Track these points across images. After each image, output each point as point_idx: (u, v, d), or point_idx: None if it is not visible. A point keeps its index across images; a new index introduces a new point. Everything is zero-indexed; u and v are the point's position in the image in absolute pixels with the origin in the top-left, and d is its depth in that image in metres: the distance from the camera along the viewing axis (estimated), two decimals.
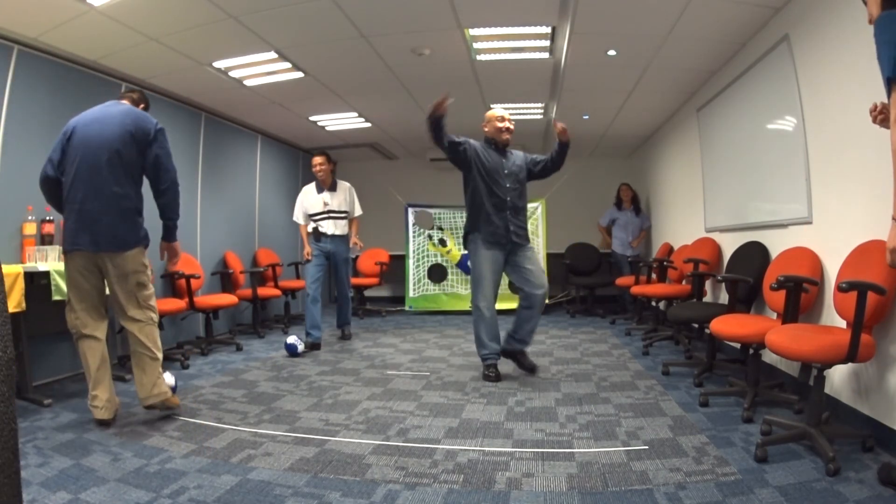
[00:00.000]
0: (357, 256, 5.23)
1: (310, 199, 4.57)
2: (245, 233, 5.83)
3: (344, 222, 4.60)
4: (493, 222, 3.32)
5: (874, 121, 1.72)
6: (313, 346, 4.31)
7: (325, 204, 4.52)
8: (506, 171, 3.43)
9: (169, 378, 2.77)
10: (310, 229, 4.56)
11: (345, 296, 4.80)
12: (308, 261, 4.56)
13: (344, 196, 4.63)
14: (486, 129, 3.53)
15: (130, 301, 2.54)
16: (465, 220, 3.49)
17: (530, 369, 3.45)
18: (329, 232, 4.50)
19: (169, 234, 2.67)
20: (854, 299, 1.87)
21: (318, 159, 4.53)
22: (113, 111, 2.56)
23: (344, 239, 4.61)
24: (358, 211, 4.76)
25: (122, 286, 2.51)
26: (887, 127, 1.61)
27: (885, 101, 1.56)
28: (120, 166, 2.46)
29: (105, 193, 2.44)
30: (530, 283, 3.37)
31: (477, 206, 3.37)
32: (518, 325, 3.48)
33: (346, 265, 4.63)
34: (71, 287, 2.52)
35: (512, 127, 3.50)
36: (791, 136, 2.98)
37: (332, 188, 4.60)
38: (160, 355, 2.61)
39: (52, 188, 2.52)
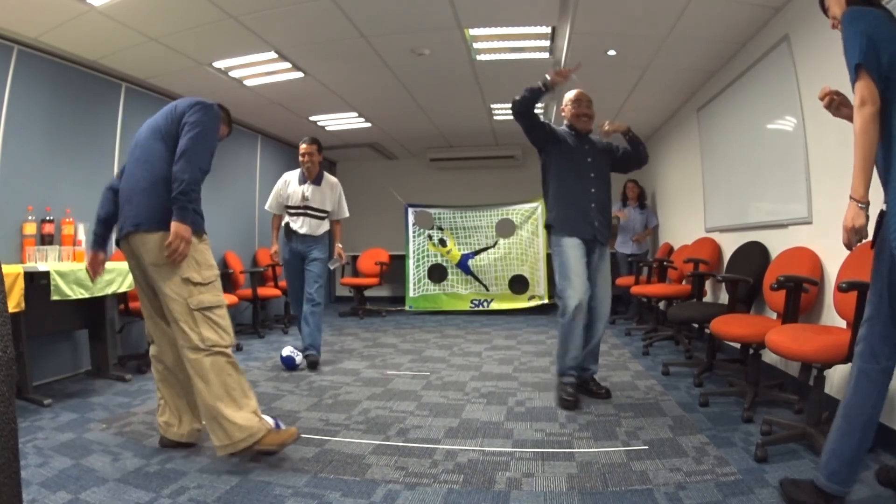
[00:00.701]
0: (333, 269, 4.21)
1: (289, 188, 3.83)
2: (245, 233, 5.83)
3: (320, 224, 3.84)
4: (577, 215, 2.89)
5: (827, 107, 1.74)
6: (313, 365, 3.75)
7: (304, 198, 3.78)
8: (589, 160, 2.96)
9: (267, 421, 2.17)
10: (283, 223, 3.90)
11: (312, 311, 3.75)
12: (275, 263, 4.09)
13: (328, 193, 3.88)
14: (564, 114, 3.11)
15: (177, 312, 2.02)
16: (547, 213, 3.04)
17: (605, 395, 2.90)
18: (301, 231, 3.76)
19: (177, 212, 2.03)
20: (854, 299, 1.87)
21: (305, 147, 3.77)
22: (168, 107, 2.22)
23: (318, 242, 3.83)
24: (344, 213, 3.98)
25: (161, 285, 2.04)
26: (840, 115, 1.73)
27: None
28: (160, 140, 2.11)
29: (140, 167, 2.10)
30: (595, 297, 2.90)
31: (558, 196, 2.95)
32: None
33: (318, 268, 3.77)
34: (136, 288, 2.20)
35: (591, 112, 3.03)
36: (791, 136, 2.98)
37: (317, 181, 3.84)
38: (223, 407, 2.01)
39: (110, 193, 2.23)
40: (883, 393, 1.54)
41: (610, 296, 2.97)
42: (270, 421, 2.15)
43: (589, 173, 2.95)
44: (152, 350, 2.23)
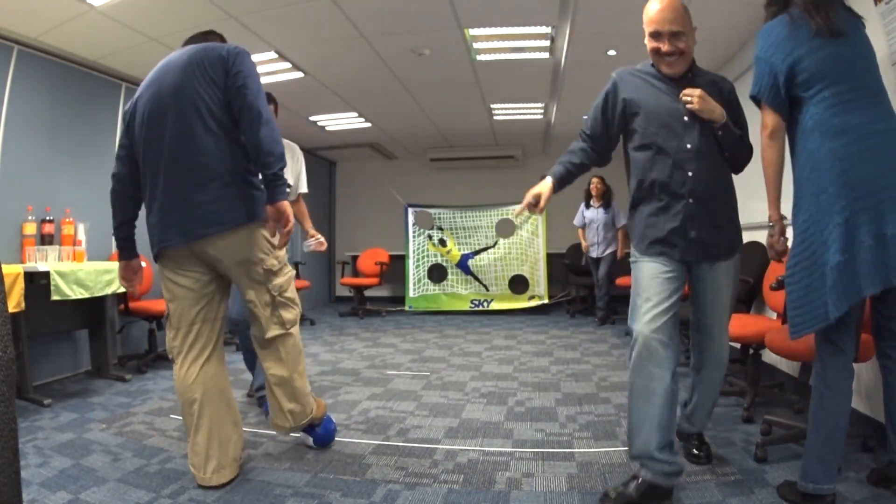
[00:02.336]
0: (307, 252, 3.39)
1: None
2: None
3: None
4: (657, 213, 1.81)
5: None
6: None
7: None
8: (686, 120, 1.77)
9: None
10: None
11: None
12: None
13: (291, 161, 2.96)
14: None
15: (259, 306, 1.95)
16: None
17: (704, 459, 2.00)
18: None
19: (270, 192, 1.78)
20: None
21: None
22: (175, 60, 1.86)
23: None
24: (303, 187, 3.10)
25: (244, 282, 1.92)
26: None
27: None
28: (209, 118, 1.78)
29: (184, 162, 1.79)
30: (704, 329, 1.90)
31: (635, 183, 1.88)
32: (689, 395, 2.04)
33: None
34: (168, 299, 1.94)
35: (681, 46, 1.81)
36: None
37: None
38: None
39: (120, 189, 1.94)
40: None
41: (726, 331, 1.90)
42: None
43: (684, 141, 1.77)
44: (185, 379, 1.88)
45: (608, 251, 5.60)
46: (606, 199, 5.65)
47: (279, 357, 2.00)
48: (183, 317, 1.90)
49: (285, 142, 2.89)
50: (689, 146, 1.76)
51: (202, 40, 1.95)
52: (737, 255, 1.90)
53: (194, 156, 1.77)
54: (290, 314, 2.01)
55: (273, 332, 1.97)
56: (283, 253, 2.00)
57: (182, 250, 1.85)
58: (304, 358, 2.10)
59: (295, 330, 2.05)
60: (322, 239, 3.10)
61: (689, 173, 1.76)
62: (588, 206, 5.73)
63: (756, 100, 1.66)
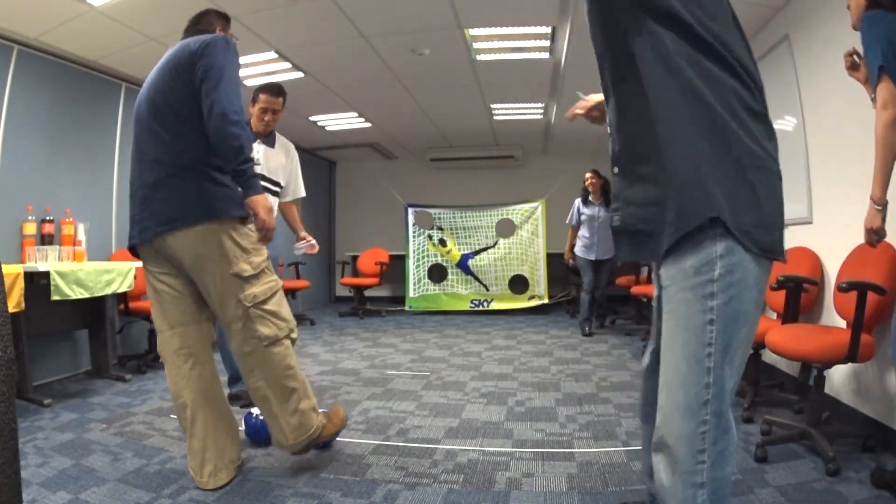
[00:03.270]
0: (301, 254, 3.13)
1: None
2: None
3: (276, 201, 2.90)
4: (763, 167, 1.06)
5: (847, 68, 1.82)
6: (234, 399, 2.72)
7: (255, 162, 2.56)
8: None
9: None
10: None
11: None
12: None
13: (283, 159, 2.89)
14: None
15: (229, 316, 1.80)
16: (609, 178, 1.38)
17: None
18: None
19: (240, 187, 1.73)
20: (854, 299, 1.87)
21: (271, 99, 2.80)
22: (168, 53, 1.83)
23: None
24: (301, 191, 3.02)
25: (207, 284, 1.80)
26: (853, 75, 1.81)
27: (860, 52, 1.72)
28: (168, 113, 1.74)
29: (146, 160, 1.77)
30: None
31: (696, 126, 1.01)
32: None
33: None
34: (150, 298, 1.91)
35: None
36: (791, 136, 2.98)
37: (270, 142, 2.86)
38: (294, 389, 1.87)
39: (171, 172, 1.83)
40: None
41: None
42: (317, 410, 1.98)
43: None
44: (174, 383, 1.84)
45: (608, 255, 4.92)
46: (607, 195, 4.82)
47: (257, 372, 1.83)
48: (165, 317, 1.84)
49: (280, 139, 2.96)
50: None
51: (194, 30, 1.91)
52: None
53: (155, 153, 1.75)
54: (268, 329, 1.80)
55: (247, 346, 1.81)
56: (260, 259, 1.82)
57: (149, 249, 1.81)
58: (295, 372, 1.88)
59: (280, 346, 1.83)
60: (313, 242, 2.97)
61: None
62: (586, 202, 5.01)
63: (878, 74, 1.56)
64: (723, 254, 0.99)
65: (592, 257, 4.97)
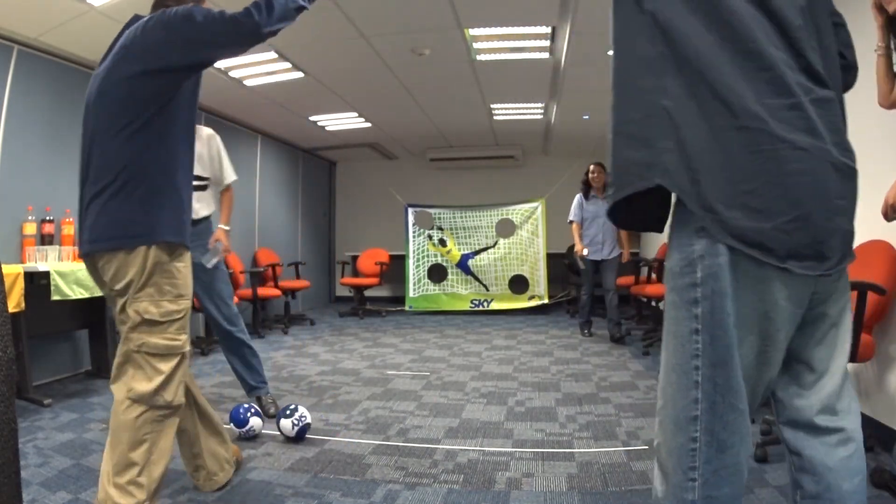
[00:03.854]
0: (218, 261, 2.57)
1: None
2: (245, 233, 5.83)
3: (208, 195, 2.67)
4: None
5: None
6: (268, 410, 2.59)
7: None
8: None
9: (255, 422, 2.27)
10: None
11: (232, 336, 2.57)
12: None
13: (201, 148, 2.56)
14: None
15: (121, 347, 1.55)
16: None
17: None
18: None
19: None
20: (854, 299, 1.87)
21: None
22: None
23: (208, 225, 2.65)
24: (228, 176, 2.71)
25: (120, 314, 1.55)
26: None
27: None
28: (99, 111, 1.47)
29: (92, 162, 1.49)
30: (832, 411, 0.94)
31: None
32: None
33: (216, 278, 2.54)
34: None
35: None
36: None
37: None
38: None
39: None
40: None
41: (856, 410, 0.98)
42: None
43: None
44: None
45: (614, 253, 4.67)
46: None
47: (113, 425, 1.51)
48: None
49: (198, 126, 2.44)
50: None
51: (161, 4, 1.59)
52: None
53: (95, 156, 1.48)
54: (142, 385, 1.47)
55: (118, 392, 1.51)
56: (177, 307, 1.51)
57: (88, 262, 1.57)
58: (158, 458, 1.49)
59: (152, 414, 1.49)
60: (220, 248, 2.55)
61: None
62: (587, 198, 4.72)
63: None
64: (703, 253, 0.85)
65: (598, 258, 4.65)
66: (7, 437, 1.09)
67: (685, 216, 0.87)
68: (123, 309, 1.50)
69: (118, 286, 1.47)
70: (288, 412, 2.31)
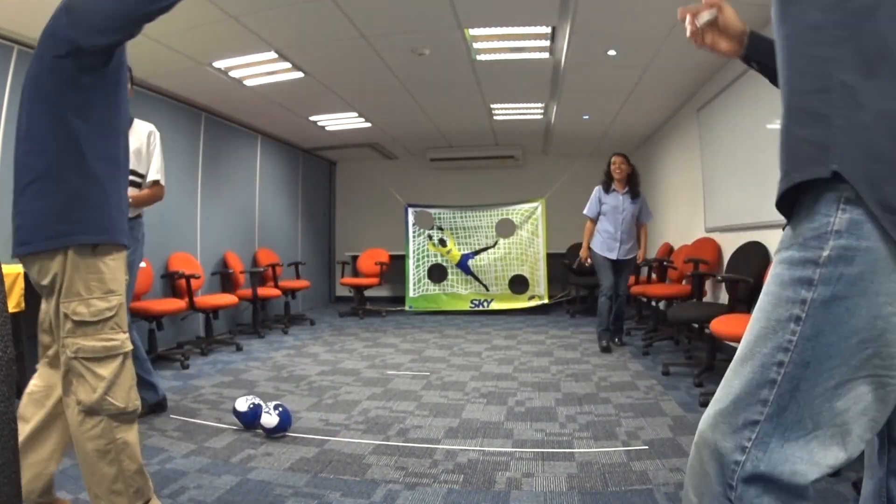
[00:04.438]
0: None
1: None
2: (245, 233, 5.83)
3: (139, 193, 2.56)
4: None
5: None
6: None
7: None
8: None
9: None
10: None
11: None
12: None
13: (138, 144, 2.49)
14: None
15: (62, 354, 1.41)
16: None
17: None
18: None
19: None
20: None
21: None
22: None
23: (139, 224, 2.60)
24: (153, 174, 2.58)
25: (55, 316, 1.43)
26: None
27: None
28: (43, 102, 1.39)
29: (18, 161, 1.42)
30: None
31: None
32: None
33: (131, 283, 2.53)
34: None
35: None
36: None
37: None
38: None
39: None
40: None
41: None
42: None
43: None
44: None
45: (632, 253, 4.32)
46: (633, 184, 4.28)
47: (75, 441, 1.42)
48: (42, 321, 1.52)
49: (139, 124, 2.55)
50: None
51: None
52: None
53: (21, 153, 1.42)
54: (87, 395, 1.37)
55: (69, 408, 1.41)
56: (107, 304, 1.41)
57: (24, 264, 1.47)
58: (130, 462, 1.41)
59: (108, 423, 1.38)
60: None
61: None
62: (608, 191, 4.32)
63: None
64: (840, 229, 0.68)
65: (614, 256, 4.24)
66: (7, 437, 1.09)
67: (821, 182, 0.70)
68: (58, 313, 1.41)
69: (45, 282, 1.40)
70: (260, 411, 2.40)
